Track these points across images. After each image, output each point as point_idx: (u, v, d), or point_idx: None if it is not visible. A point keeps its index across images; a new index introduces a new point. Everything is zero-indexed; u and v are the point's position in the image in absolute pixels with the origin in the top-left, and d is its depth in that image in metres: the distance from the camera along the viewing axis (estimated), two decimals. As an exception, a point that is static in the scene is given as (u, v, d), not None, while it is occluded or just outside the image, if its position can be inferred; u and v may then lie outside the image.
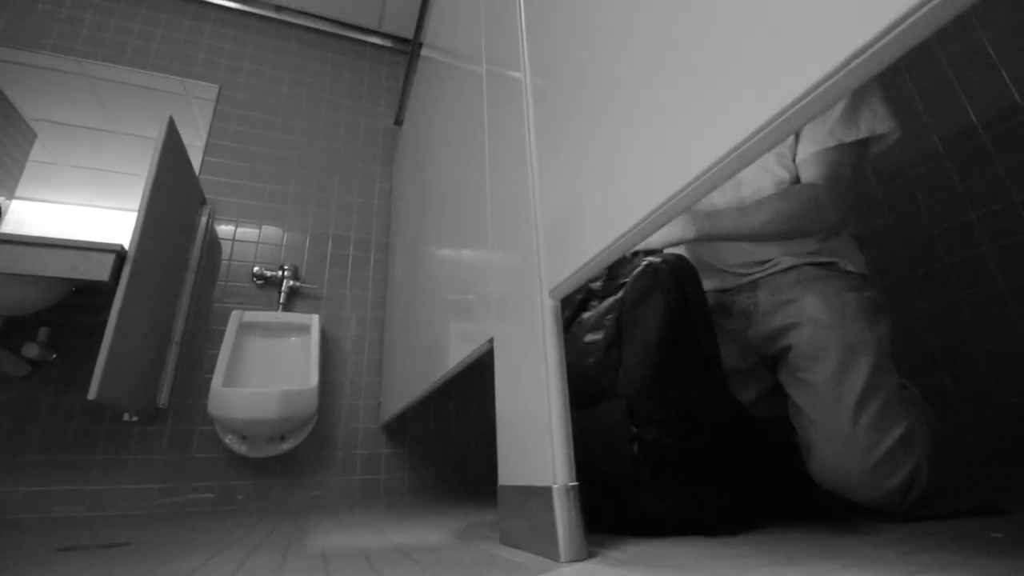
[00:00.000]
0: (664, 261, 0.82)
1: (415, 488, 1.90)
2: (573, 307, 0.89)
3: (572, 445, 0.51)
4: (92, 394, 1.27)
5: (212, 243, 1.96)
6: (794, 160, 0.86)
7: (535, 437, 0.53)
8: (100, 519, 1.51)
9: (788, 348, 0.82)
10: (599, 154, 0.50)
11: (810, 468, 0.76)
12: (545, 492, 0.50)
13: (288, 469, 1.78)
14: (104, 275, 1.35)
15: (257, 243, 2.02)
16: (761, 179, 0.89)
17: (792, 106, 0.30)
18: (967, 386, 1.28)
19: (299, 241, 2.07)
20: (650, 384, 0.70)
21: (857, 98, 0.81)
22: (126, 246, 1.41)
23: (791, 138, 0.87)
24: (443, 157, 1.30)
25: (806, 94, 0.29)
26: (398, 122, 2.34)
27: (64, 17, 2.05)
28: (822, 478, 0.75)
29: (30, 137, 2.29)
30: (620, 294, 0.79)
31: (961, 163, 1.32)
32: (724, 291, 0.99)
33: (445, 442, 1.99)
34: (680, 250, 1.03)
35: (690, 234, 0.81)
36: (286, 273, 1.94)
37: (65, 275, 1.33)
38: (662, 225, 0.42)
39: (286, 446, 1.78)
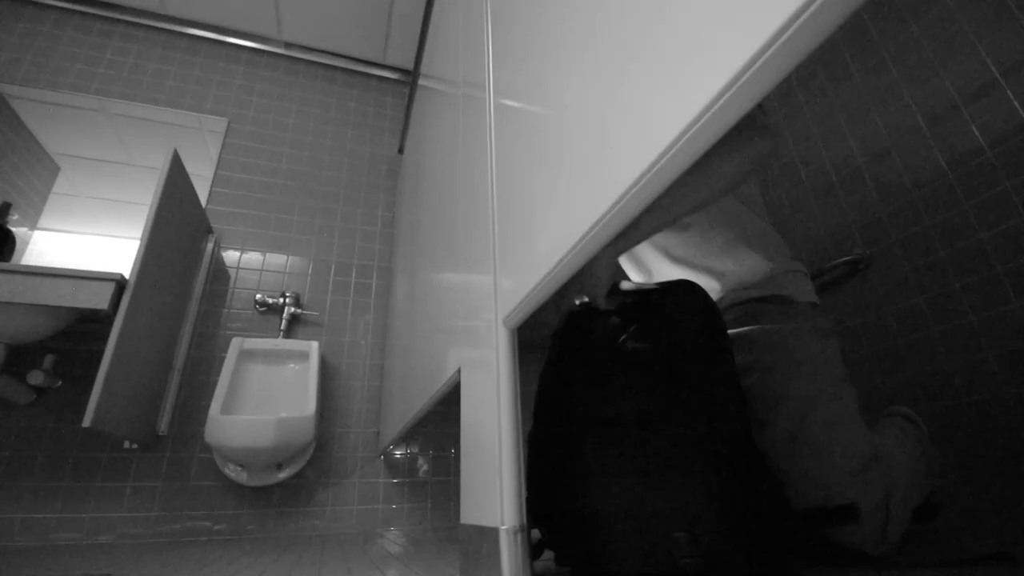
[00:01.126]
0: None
1: (414, 519, 1.86)
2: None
3: (524, 484, 0.49)
4: (87, 422, 1.28)
5: (217, 271, 2.00)
6: None
7: (487, 474, 0.51)
8: (95, 547, 1.51)
9: (745, 390, 0.79)
10: (542, 176, 0.50)
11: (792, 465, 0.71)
12: (493, 533, 0.48)
13: (285, 498, 1.76)
14: (103, 303, 1.37)
15: (261, 270, 2.05)
16: None
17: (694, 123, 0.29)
18: (985, 413, 1.22)
19: (302, 268, 2.10)
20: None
21: None
22: (127, 275, 1.44)
23: None
24: (431, 181, 1.32)
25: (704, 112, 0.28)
26: (401, 150, 2.38)
27: (83, 57, 2.15)
28: (801, 471, 0.71)
29: (53, 170, 2.38)
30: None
31: (968, 183, 1.28)
32: None
33: (447, 473, 1.96)
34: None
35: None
36: (287, 300, 1.96)
37: (66, 304, 1.36)
38: (596, 248, 0.40)
39: (283, 474, 1.77)
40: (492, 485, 0.49)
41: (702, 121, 0.29)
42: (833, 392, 0.73)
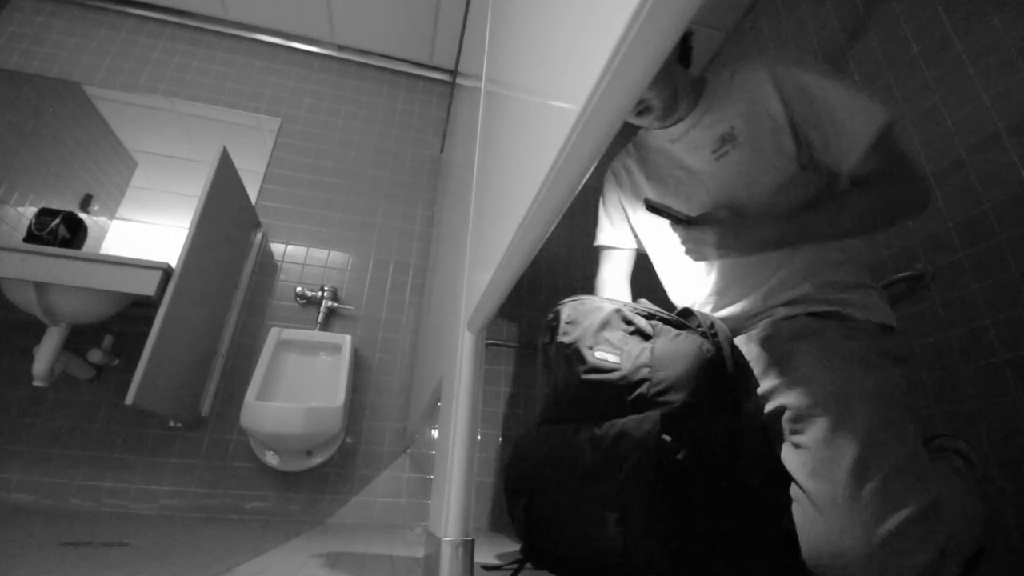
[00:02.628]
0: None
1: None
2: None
3: (472, 497, 0.47)
4: (129, 400, 1.38)
5: (264, 263, 2.10)
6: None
7: (440, 485, 0.49)
8: (135, 517, 1.62)
9: (781, 410, 0.72)
10: (504, 160, 0.47)
11: (803, 552, 0.64)
12: (438, 543, 0.46)
13: (313, 485, 1.82)
14: (151, 290, 1.47)
15: (303, 264, 2.13)
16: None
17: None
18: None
19: (342, 263, 2.16)
20: (687, 409, 0.64)
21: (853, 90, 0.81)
22: (174, 264, 1.53)
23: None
24: (450, 178, 1.31)
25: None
26: (442, 150, 2.41)
27: (154, 60, 2.32)
28: (816, 563, 0.62)
29: (132, 165, 2.58)
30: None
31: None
32: None
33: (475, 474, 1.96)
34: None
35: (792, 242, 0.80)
36: (326, 293, 2.02)
37: (118, 289, 1.47)
38: (540, 231, 0.38)
39: (314, 461, 1.83)
40: (441, 496, 0.48)
41: (606, 82, 0.27)
42: (886, 424, 0.65)
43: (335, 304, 2.04)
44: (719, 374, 0.66)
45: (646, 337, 0.70)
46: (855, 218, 0.76)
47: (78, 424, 1.72)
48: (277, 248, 2.14)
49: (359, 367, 2.01)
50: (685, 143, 0.93)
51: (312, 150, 2.34)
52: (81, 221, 2.03)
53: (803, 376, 0.71)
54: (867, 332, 0.74)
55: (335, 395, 1.77)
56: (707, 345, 0.69)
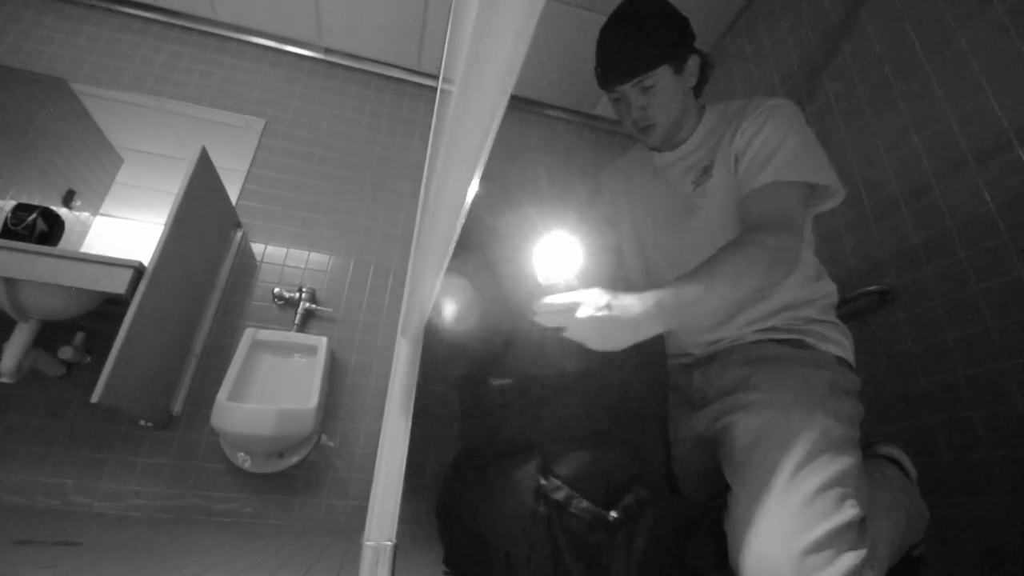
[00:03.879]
0: None
1: (406, 518, 1.86)
2: None
3: (396, 502, 0.47)
4: (95, 398, 1.36)
5: (243, 264, 2.09)
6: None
7: (371, 488, 0.49)
8: (100, 516, 1.60)
9: (731, 426, 0.73)
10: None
11: (731, 556, 0.65)
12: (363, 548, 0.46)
13: (284, 487, 1.81)
14: (121, 288, 1.46)
15: (283, 265, 2.12)
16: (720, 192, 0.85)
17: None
18: (1012, 472, 1.08)
19: (322, 265, 2.16)
20: (578, 442, 0.63)
21: (802, 143, 0.79)
22: (147, 263, 1.52)
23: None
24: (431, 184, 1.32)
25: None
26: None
27: (140, 58, 2.32)
28: (741, 567, 0.63)
29: (117, 162, 2.57)
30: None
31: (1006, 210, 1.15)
32: (686, 366, 0.91)
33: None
34: None
35: (663, 327, 0.68)
36: (303, 295, 2.02)
37: (88, 287, 1.46)
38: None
39: (286, 463, 1.82)
40: (370, 498, 0.48)
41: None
42: (827, 445, 0.66)
43: (313, 306, 2.03)
44: (618, 403, 0.66)
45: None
46: (727, 285, 0.68)
47: (46, 421, 1.70)
48: (257, 248, 2.14)
49: (336, 369, 2.00)
50: (677, 169, 0.95)
51: (296, 152, 2.34)
52: (58, 216, 2.01)
53: (757, 395, 0.72)
54: (823, 362, 0.77)
55: (308, 397, 1.76)
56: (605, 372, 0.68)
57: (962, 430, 1.18)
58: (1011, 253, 1.14)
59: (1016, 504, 1.07)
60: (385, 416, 0.50)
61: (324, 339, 1.91)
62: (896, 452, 0.88)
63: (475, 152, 0.30)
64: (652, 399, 0.70)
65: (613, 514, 0.60)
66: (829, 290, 0.87)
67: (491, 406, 0.68)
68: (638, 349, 0.70)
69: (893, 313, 1.37)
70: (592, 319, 0.63)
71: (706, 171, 0.87)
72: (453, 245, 0.37)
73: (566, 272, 0.74)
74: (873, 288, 1.38)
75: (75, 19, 2.32)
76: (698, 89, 0.96)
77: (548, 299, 0.65)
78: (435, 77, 2.62)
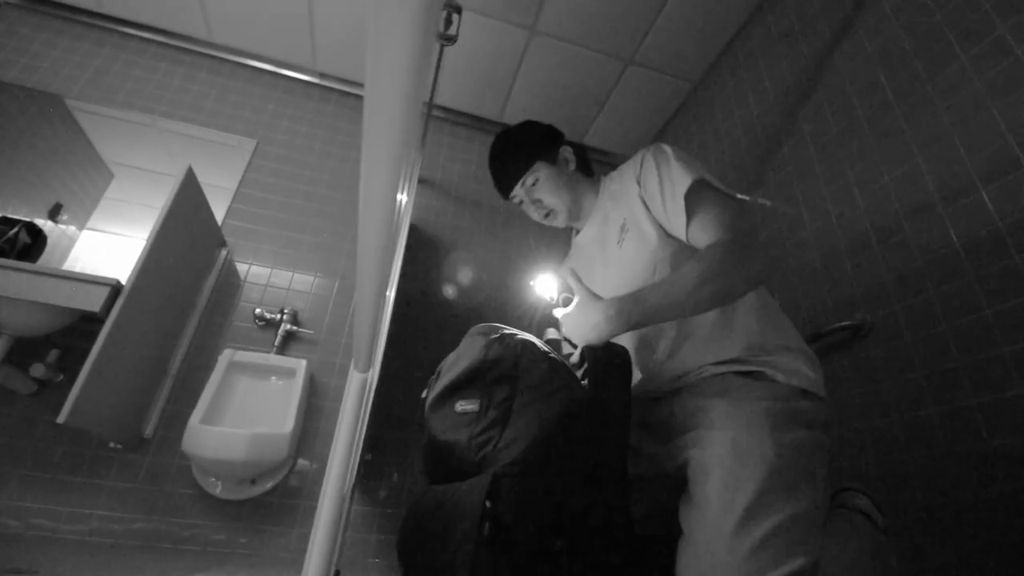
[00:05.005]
0: (589, 348, 0.76)
1: (381, 551, 1.82)
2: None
3: (337, 535, 0.46)
4: (61, 419, 1.34)
5: (226, 284, 2.08)
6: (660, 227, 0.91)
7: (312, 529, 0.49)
8: (62, 541, 1.55)
9: (687, 462, 0.73)
10: None
11: None
12: (303, 585, 0.45)
13: (255, 514, 1.77)
14: (96, 307, 1.45)
15: (266, 286, 2.12)
16: (642, 245, 0.90)
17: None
18: (982, 511, 1.08)
19: (305, 287, 2.15)
20: (527, 467, 0.63)
21: (679, 159, 0.88)
22: (124, 281, 1.51)
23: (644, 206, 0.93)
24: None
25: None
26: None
27: (135, 77, 2.34)
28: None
29: (107, 177, 2.58)
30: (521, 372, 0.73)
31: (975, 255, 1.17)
32: (654, 400, 0.91)
33: (420, 504, 1.91)
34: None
35: (619, 329, 0.74)
36: (285, 316, 2.01)
37: (62, 304, 1.45)
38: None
39: (258, 490, 1.78)
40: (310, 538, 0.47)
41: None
42: (781, 485, 0.65)
43: (294, 328, 2.02)
44: (574, 426, 0.66)
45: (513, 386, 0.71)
46: (688, 289, 0.73)
47: (12, 440, 1.66)
48: (242, 268, 2.13)
49: (315, 393, 1.98)
50: (598, 240, 1.03)
51: (286, 172, 2.36)
52: (41, 231, 2.00)
53: (711, 430, 0.72)
54: (785, 395, 0.76)
55: (284, 421, 1.73)
56: (569, 398, 0.68)
57: (933, 468, 1.18)
58: (977, 293, 1.16)
59: (989, 543, 1.06)
60: (331, 449, 0.50)
61: (303, 362, 1.89)
62: (863, 502, 0.88)
63: (389, 160, 0.31)
64: (613, 430, 0.69)
65: (558, 543, 0.59)
66: (784, 322, 0.88)
67: (451, 429, 0.68)
68: (601, 377, 0.71)
69: (866, 349, 1.38)
70: (567, 314, 0.81)
71: (623, 229, 0.95)
72: (394, 266, 0.37)
73: (557, 291, 0.91)
74: (846, 323, 1.40)
75: (72, 36, 2.35)
76: (586, 169, 1.11)
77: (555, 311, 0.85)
78: (432, 106, 2.67)
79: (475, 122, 2.78)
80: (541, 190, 1.02)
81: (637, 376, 0.93)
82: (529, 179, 1.02)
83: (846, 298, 1.46)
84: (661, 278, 0.84)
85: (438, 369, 0.78)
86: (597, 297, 0.79)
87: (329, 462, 0.48)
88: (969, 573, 1.07)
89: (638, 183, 0.92)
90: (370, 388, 0.53)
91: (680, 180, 0.84)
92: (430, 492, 0.68)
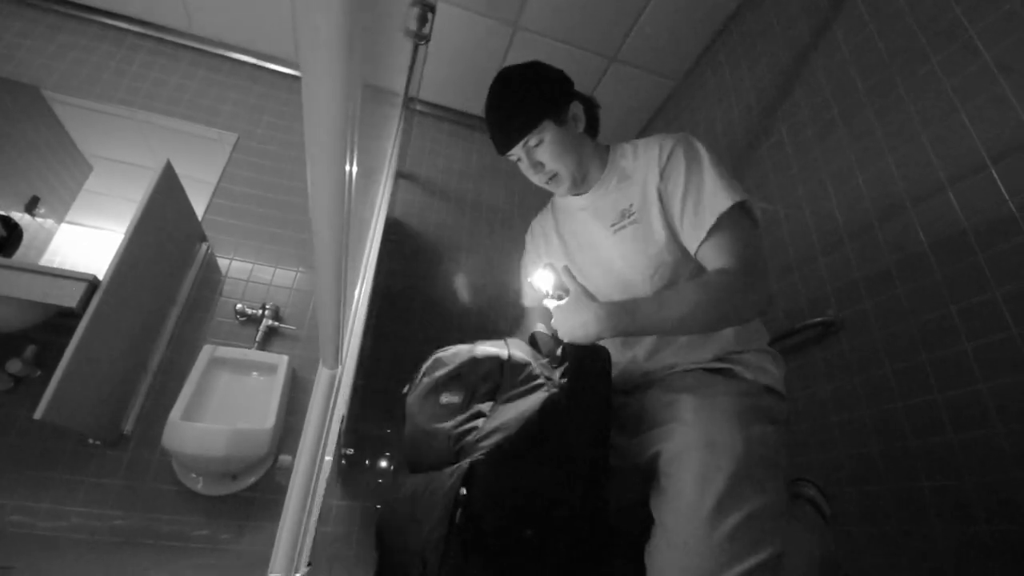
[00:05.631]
0: (570, 346, 0.78)
1: (364, 542, 1.83)
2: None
3: (305, 532, 0.47)
4: (38, 414, 1.33)
5: (206, 279, 2.06)
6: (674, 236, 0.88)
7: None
8: (40, 538, 1.54)
9: (658, 455, 0.75)
10: None
11: None
12: (269, 580, 0.46)
13: (236, 510, 1.77)
14: (72, 302, 1.43)
15: (247, 281, 2.10)
16: (649, 241, 0.88)
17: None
18: (946, 499, 1.12)
19: (287, 282, 2.14)
20: (503, 457, 0.64)
21: (718, 170, 0.84)
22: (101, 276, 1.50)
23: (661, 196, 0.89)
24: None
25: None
26: (398, 174, 2.43)
27: (113, 68, 2.30)
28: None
29: (86, 170, 2.53)
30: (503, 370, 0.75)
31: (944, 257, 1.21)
32: (625, 393, 0.93)
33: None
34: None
35: (607, 333, 0.76)
36: (267, 312, 2.00)
37: (38, 299, 1.43)
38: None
39: (237, 485, 1.78)
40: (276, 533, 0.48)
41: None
42: (748, 477, 0.68)
43: (276, 323, 2.01)
44: (550, 421, 0.68)
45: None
46: (683, 312, 0.74)
47: (-13, 437, 1.64)
48: (223, 263, 2.12)
49: (297, 389, 1.98)
50: (591, 211, 0.98)
51: (267, 167, 2.34)
52: (17, 225, 1.97)
53: (681, 423, 0.74)
54: (751, 391, 0.79)
55: (265, 417, 1.73)
56: (547, 396, 0.70)
57: (900, 460, 1.22)
58: (943, 292, 1.19)
59: (952, 532, 1.10)
60: (299, 445, 0.51)
61: (285, 358, 1.89)
62: (811, 491, 0.91)
63: (331, 142, 0.31)
64: (590, 427, 0.71)
65: (529, 531, 0.61)
66: (755, 324, 0.90)
67: (434, 419, 0.69)
68: (579, 376, 0.73)
69: (837, 344, 1.42)
70: (559, 307, 0.82)
71: (624, 214, 0.90)
72: (365, 259, 0.38)
73: (552, 285, 0.89)
74: (818, 320, 1.43)
75: (48, 25, 2.30)
76: (592, 130, 1.00)
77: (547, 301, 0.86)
78: (416, 100, 2.66)
79: (460, 117, 2.77)
80: (545, 153, 0.90)
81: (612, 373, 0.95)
82: (533, 139, 0.89)
83: (820, 295, 1.50)
84: (657, 291, 0.85)
85: (422, 368, 0.80)
86: (591, 297, 0.79)
87: (296, 459, 0.49)
88: (936, 560, 1.11)
89: (661, 175, 0.87)
90: (339, 384, 0.54)
91: (716, 196, 0.80)
92: (410, 480, 0.69)
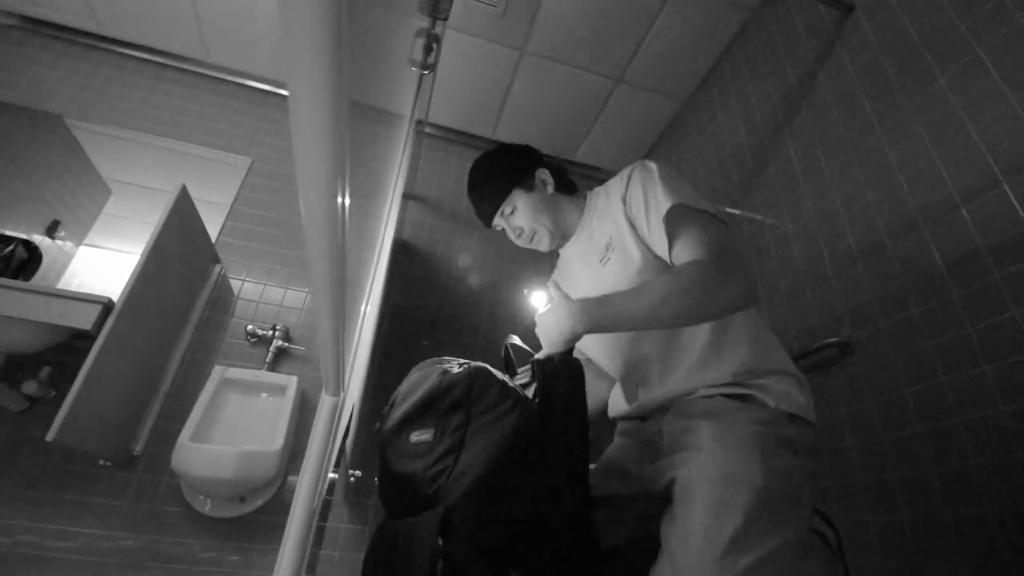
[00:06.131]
0: (539, 361, 0.77)
1: (370, 569, 1.80)
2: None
3: (302, 558, 0.47)
4: (50, 436, 1.34)
5: (218, 300, 2.09)
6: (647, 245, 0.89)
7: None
8: (48, 559, 1.55)
9: (672, 482, 0.72)
10: None
11: None
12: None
13: (243, 533, 1.76)
14: (87, 325, 1.46)
15: (258, 302, 2.13)
16: (627, 264, 0.89)
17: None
18: (966, 528, 1.08)
19: (298, 303, 2.16)
20: (480, 497, 0.63)
21: (667, 180, 0.86)
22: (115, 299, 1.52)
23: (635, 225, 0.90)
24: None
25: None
26: (405, 196, 2.46)
27: (132, 96, 2.39)
28: None
29: (105, 193, 2.60)
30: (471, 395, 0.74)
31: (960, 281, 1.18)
32: (642, 419, 0.91)
33: (411, 522, 1.90)
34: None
35: (581, 327, 0.75)
36: (277, 333, 2.01)
37: (53, 322, 1.46)
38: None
39: (246, 508, 1.77)
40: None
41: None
42: (767, 512, 0.65)
43: (286, 344, 2.02)
44: (523, 452, 0.65)
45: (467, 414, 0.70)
46: (654, 301, 0.73)
47: (2, 457, 1.65)
48: (235, 284, 2.14)
49: (306, 410, 1.98)
50: (581, 256, 1.02)
51: (280, 190, 2.38)
52: (37, 248, 2.02)
53: (698, 450, 0.72)
54: (773, 419, 0.75)
55: (274, 439, 1.73)
56: (520, 420, 0.68)
57: (920, 486, 1.18)
58: (959, 310, 1.17)
59: (976, 562, 1.06)
60: (301, 474, 0.50)
61: (295, 379, 1.90)
62: (815, 522, 0.87)
63: (320, 162, 0.31)
64: (565, 447, 0.69)
65: (514, 573, 0.59)
66: (773, 342, 0.88)
67: (406, 461, 0.67)
68: (550, 392, 0.72)
69: (852, 366, 1.39)
70: (539, 315, 0.82)
71: (607, 247, 0.93)
72: (369, 282, 0.38)
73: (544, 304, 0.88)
74: (833, 340, 1.41)
75: (72, 57, 2.39)
76: (566, 188, 1.08)
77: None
78: (426, 123, 2.71)
79: (468, 139, 2.81)
80: (520, 218, 1.00)
81: (626, 404, 0.93)
82: (507, 208, 1.01)
83: (833, 315, 1.47)
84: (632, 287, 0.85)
85: (392, 399, 0.78)
86: (569, 299, 0.80)
87: (298, 487, 0.49)
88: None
89: (623, 202, 0.91)
90: (340, 412, 0.53)
91: (662, 202, 0.83)
92: (388, 527, 0.67)
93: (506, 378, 0.76)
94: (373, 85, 0.55)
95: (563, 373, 0.75)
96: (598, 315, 0.75)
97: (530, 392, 0.75)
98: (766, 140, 1.87)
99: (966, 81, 1.26)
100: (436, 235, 2.56)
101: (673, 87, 2.39)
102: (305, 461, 0.50)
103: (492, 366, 0.83)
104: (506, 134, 2.73)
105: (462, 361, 0.80)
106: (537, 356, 0.81)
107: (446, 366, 0.78)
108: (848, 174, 1.51)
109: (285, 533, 0.47)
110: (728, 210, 2.01)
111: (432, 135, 2.77)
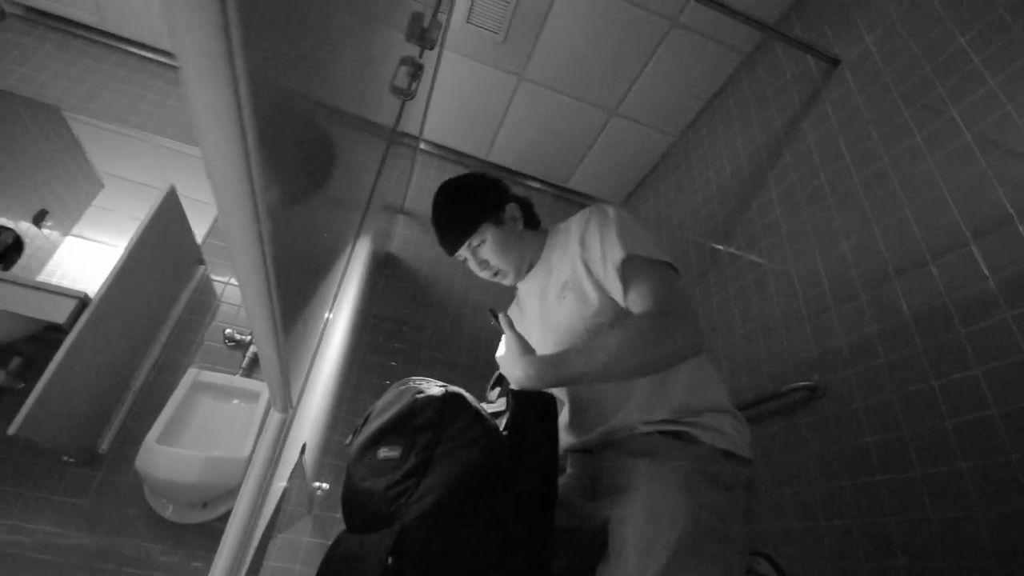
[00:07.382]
0: (513, 393, 0.78)
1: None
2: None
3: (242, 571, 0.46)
4: (12, 430, 1.33)
5: (199, 302, 2.08)
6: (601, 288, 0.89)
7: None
8: (-2, 559, 1.51)
9: (607, 520, 0.73)
10: None
11: None
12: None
13: (203, 540, 1.72)
14: (61, 319, 1.45)
15: (239, 306, 2.12)
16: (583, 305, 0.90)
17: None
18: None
19: (280, 309, 2.16)
20: (436, 521, 0.63)
21: (619, 229, 0.87)
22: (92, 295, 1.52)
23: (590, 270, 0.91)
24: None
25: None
26: (401, 209, 2.48)
27: (130, 93, 2.40)
28: None
29: (97, 187, 2.60)
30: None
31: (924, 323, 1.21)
32: (584, 453, 0.92)
33: (376, 539, 1.88)
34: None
35: (537, 384, 0.77)
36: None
37: (29, 314, 1.45)
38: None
39: (208, 515, 1.74)
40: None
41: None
42: (691, 549, 0.66)
43: (264, 350, 2.01)
44: (487, 480, 0.66)
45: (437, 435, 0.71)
46: (607, 358, 0.74)
47: (-39, 449, 1.63)
48: (217, 287, 2.14)
49: (278, 417, 1.96)
50: (539, 292, 1.03)
51: (271, 195, 2.39)
52: (20, 239, 2.01)
53: (631, 490, 0.73)
54: (705, 456, 0.76)
55: (243, 445, 1.72)
56: (486, 451, 0.69)
57: (879, 533, 1.19)
58: (924, 365, 1.19)
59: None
60: (242, 490, 0.50)
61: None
62: (763, 567, 0.88)
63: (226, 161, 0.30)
64: (531, 480, 0.69)
65: None
66: (714, 380, 0.89)
67: (370, 476, 0.68)
68: (520, 426, 0.72)
69: (820, 410, 1.40)
70: (500, 358, 0.86)
71: (565, 286, 0.94)
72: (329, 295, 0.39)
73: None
74: (802, 384, 1.42)
75: (73, 50, 2.41)
76: (531, 223, 1.08)
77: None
78: (414, 137, 2.74)
79: (462, 158, 2.84)
80: (487, 252, 0.99)
81: (573, 438, 0.94)
82: (475, 241, 0.99)
83: (805, 358, 1.49)
84: (585, 342, 0.85)
85: (366, 414, 0.79)
86: (524, 347, 0.81)
87: (235, 506, 0.49)
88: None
89: (580, 244, 0.92)
90: (288, 429, 0.53)
91: (616, 251, 0.84)
92: (345, 541, 0.67)
93: (481, 407, 0.77)
94: (322, 84, 0.54)
95: (536, 412, 0.76)
96: (553, 376, 0.77)
97: (503, 422, 0.76)
98: (751, 180, 1.91)
99: (941, 140, 1.30)
100: (423, 251, 2.58)
101: (665, 123, 2.44)
102: (245, 480, 0.50)
103: (474, 387, 0.84)
104: (500, 155, 2.77)
105: (441, 384, 0.81)
106: (512, 387, 0.82)
107: (424, 386, 0.78)
108: (825, 220, 1.55)
109: (214, 560, 0.47)
110: (713, 245, 2.04)
111: (427, 152, 2.80)
